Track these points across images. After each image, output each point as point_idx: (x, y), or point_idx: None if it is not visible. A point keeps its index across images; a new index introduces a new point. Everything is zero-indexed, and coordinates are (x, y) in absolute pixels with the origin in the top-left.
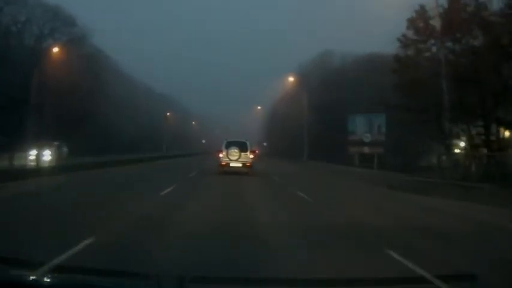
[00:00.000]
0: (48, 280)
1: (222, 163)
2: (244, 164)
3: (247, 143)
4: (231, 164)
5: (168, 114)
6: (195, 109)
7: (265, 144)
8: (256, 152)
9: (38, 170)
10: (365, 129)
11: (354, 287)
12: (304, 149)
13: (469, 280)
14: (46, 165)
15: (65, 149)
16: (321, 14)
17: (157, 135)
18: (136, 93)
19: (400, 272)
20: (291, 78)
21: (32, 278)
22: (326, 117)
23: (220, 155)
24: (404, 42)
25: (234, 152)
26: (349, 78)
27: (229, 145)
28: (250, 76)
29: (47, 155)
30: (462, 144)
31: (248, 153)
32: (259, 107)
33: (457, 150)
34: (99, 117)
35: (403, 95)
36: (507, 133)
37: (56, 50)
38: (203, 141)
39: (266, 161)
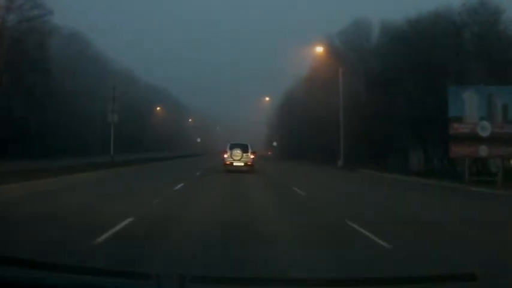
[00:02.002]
0: (48, 280)
1: (227, 162)
2: (245, 163)
3: (248, 145)
4: (234, 163)
5: (158, 108)
6: (195, 107)
7: (275, 144)
8: (256, 153)
9: None
10: (480, 113)
11: (355, 287)
12: (340, 149)
13: (469, 280)
14: None
15: None
16: None
17: (140, 133)
18: (117, 82)
19: None
20: (319, 49)
21: (30, 278)
22: (374, 102)
23: (225, 155)
24: None
25: (237, 153)
26: (408, 44)
27: (232, 147)
28: (254, 73)
29: None
30: None
31: (249, 154)
32: (267, 98)
33: None
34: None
35: None
36: None
37: None
38: (198, 139)
39: (283, 169)
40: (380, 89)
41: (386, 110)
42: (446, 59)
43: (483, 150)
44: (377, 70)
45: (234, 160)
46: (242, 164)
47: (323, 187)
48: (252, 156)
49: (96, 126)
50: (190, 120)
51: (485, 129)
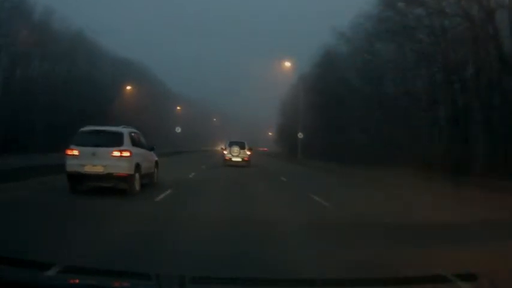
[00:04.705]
0: (47, 280)
1: (226, 158)
2: (243, 159)
3: (245, 143)
4: (233, 159)
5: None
6: (194, 99)
7: (300, 135)
8: (250, 151)
9: None
10: None
11: (354, 287)
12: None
13: (469, 280)
14: None
15: None
16: None
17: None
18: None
19: None
20: None
21: (30, 278)
22: None
23: (225, 152)
24: None
25: (235, 150)
26: None
27: (231, 144)
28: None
29: None
30: None
31: (246, 150)
32: (287, 63)
33: None
34: None
35: None
36: None
37: None
38: (177, 129)
39: None
40: None
41: None
42: None
43: None
44: None
45: (233, 156)
46: (240, 159)
47: None
48: (248, 153)
49: None
50: (178, 108)
51: None
